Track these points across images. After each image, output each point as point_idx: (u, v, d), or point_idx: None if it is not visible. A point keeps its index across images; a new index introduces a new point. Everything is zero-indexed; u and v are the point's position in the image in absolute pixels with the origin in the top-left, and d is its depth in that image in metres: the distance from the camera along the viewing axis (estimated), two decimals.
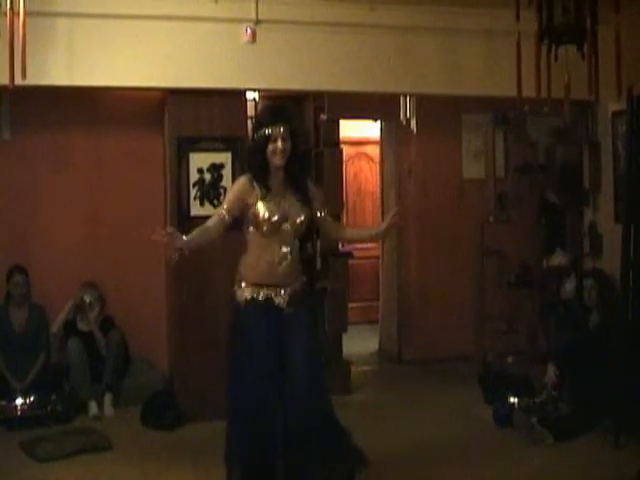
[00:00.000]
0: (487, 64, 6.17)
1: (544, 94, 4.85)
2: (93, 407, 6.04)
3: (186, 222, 5.96)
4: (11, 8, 3.80)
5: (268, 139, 4.12)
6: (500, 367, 6.83)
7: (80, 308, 6.32)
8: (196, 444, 5.55)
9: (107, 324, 6.37)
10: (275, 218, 4.12)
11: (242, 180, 4.25)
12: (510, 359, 7.03)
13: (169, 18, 5.68)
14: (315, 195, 4.36)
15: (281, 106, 4.35)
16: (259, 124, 4.22)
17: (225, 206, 4.17)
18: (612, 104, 6.25)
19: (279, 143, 4.11)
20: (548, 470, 4.98)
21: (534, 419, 5.50)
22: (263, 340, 4.10)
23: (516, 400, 5.81)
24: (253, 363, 4.08)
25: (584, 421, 5.54)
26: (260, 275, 4.16)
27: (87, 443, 5.35)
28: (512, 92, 5.17)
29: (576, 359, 5.83)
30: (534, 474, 4.94)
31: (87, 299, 6.29)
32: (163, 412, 5.89)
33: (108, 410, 6.12)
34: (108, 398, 6.16)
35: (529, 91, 4.98)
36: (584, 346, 5.87)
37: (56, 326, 6.30)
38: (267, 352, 4.09)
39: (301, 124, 7.18)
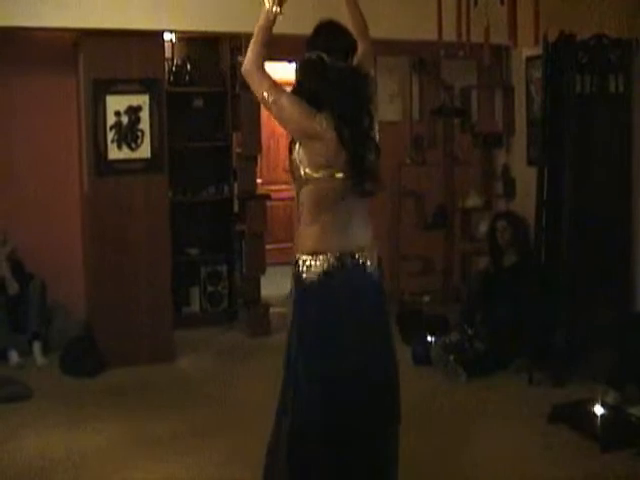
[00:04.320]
0: (405, 7, 6.16)
1: (464, 38, 4.92)
2: (14, 356, 5.95)
3: (104, 166, 5.91)
4: None
5: None
6: (416, 307, 6.97)
7: None
8: (118, 389, 5.56)
9: (19, 269, 6.23)
10: None
11: None
12: (426, 298, 7.18)
13: None
14: None
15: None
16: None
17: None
18: (526, 49, 6.34)
19: None
20: (465, 406, 5.14)
21: (451, 356, 5.68)
22: None
23: (433, 339, 5.97)
24: None
25: (498, 359, 5.74)
26: None
27: (6, 393, 5.28)
28: (431, 36, 5.21)
29: (491, 297, 6.02)
30: (450, 410, 5.08)
31: None
32: (83, 358, 5.85)
33: (39, 359, 6.03)
34: (37, 347, 6.06)
35: (448, 35, 5.03)
36: (498, 284, 6.06)
37: None
38: None
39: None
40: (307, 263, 3.18)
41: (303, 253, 3.19)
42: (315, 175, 3.12)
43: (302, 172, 3.14)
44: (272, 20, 3.15)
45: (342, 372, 3.17)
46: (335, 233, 3.18)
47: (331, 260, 3.16)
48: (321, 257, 3.16)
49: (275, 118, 3.23)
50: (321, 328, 3.20)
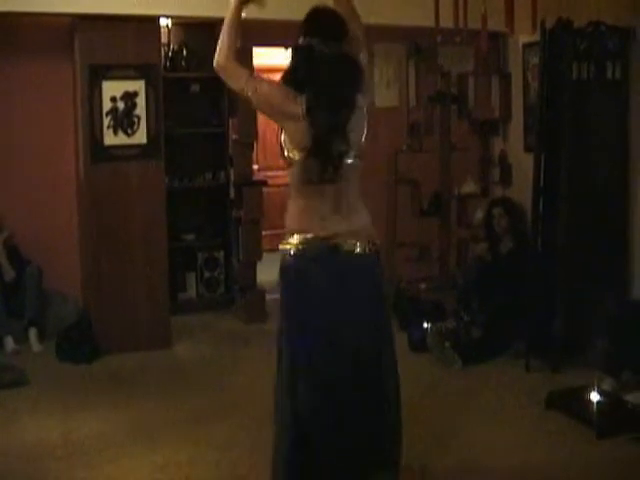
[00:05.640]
0: None
1: (461, 24, 4.92)
2: (10, 342, 5.95)
3: (100, 152, 5.89)
4: None
5: None
6: (413, 293, 6.97)
7: None
8: (114, 375, 5.57)
9: (15, 255, 6.22)
10: None
11: None
12: (422, 285, 7.17)
13: None
14: None
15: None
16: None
17: None
18: (523, 36, 6.33)
19: None
20: (461, 393, 5.14)
21: (447, 343, 5.68)
22: None
23: (429, 325, 5.97)
24: None
25: (494, 345, 5.74)
26: None
27: (2, 379, 5.28)
28: (428, 22, 5.20)
29: (487, 284, 6.02)
30: (446, 396, 5.09)
31: None
32: (79, 345, 5.84)
33: (35, 346, 6.04)
34: (33, 333, 6.06)
35: (445, 21, 5.02)
36: (495, 271, 6.06)
37: None
38: None
39: None
40: (285, 242, 3.26)
41: (285, 233, 3.27)
42: (295, 157, 3.18)
43: (286, 154, 3.22)
44: (239, 10, 3.18)
45: (324, 355, 3.21)
46: (308, 216, 3.23)
47: (302, 241, 3.21)
48: (295, 237, 3.23)
49: (255, 107, 3.31)
50: (297, 310, 3.27)
